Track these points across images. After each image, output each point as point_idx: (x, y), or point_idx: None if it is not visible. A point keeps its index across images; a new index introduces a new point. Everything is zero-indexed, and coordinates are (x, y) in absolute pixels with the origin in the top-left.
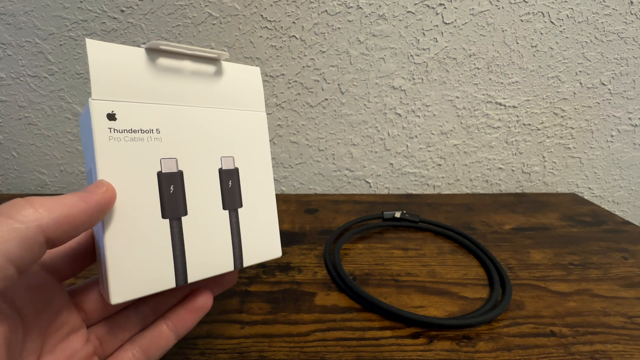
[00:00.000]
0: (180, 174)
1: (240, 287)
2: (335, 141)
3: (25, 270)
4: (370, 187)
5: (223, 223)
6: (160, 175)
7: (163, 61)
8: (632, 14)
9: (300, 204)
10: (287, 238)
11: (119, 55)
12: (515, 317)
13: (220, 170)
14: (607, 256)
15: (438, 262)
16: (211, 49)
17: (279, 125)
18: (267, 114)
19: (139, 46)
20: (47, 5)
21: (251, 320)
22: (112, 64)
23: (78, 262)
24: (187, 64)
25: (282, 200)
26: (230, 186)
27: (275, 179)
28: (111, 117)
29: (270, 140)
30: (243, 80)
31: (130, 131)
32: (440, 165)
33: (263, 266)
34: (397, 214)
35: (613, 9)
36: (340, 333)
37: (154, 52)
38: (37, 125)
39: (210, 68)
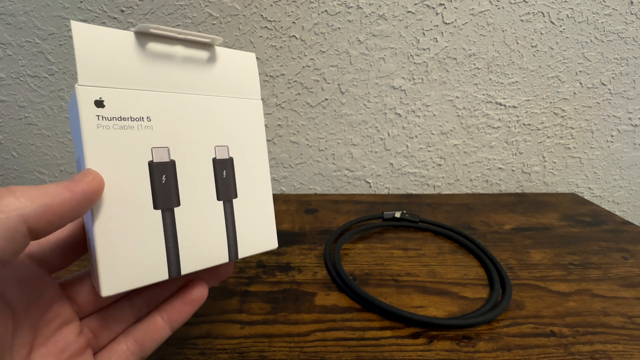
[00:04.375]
0: (172, 164)
1: (240, 287)
2: (335, 141)
3: (7, 262)
4: (370, 187)
5: (217, 214)
6: (151, 164)
7: (154, 46)
8: (632, 14)
9: (300, 204)
10: (287, 238)
11: (107, 39)
12: (515, 317)
13: (214, 160)
14: (607, 256)
15: (438, 262)
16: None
17: (279, 125)
18: (267, 114)
19: (128, 30)
20: (47, 5)
21: (251, 320)
22: (99, 48)
23: (69, 253)
24: (179, 49)
25: (282, 200)
26: (224, 176)
27: (275, 179)
28: (99, 104)
29: (270, 140)
30: (238, 66)
31: (119, 119)
32: (440, 165)
33: (263, 266)
34: (397, 214)
35: (613, 9)
36: (340, 333)
37: (144, 36)
38: (37, 125)
39: (203, 53)
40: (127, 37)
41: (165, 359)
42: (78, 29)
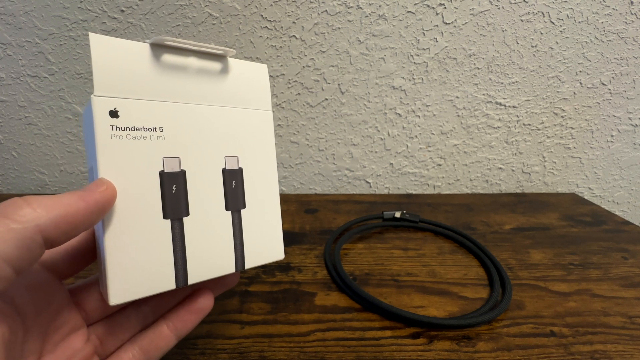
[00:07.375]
0: (182, 174)
1: (240, 287)
2: (335, 141)
3: (23, 270)
4: (370, 187)
5: (225, 224)
6: (162, 174)
7: (168, 57)
8: (632, 14)
9: (300, 204)
10: (287, 238)
11: (123, 50)
12: (515, 317)
13: (224, 171)
14: (607, 256)
15: (438, 262)
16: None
17: (279, 125)
18: None
19: (143, 41)
20: (47, 5)
21: (251, 320)
22: (115, 59)
23: (78, 260)
24: (192, 61)
25: (282, 200)
26: (233, 187)
27: None
28: (114, 114)
29: None
30: (249, 77)
31: (132, 129)
32: (440, 165)
33: (263, 266)
34: (397, 214)
35: (613, 9)
36: (340, 333)
37: (158, 48)
38: (37, 125)
39: (216, 65)
40: (142, 48)
41: (165, 359)
42: (96, 40)
